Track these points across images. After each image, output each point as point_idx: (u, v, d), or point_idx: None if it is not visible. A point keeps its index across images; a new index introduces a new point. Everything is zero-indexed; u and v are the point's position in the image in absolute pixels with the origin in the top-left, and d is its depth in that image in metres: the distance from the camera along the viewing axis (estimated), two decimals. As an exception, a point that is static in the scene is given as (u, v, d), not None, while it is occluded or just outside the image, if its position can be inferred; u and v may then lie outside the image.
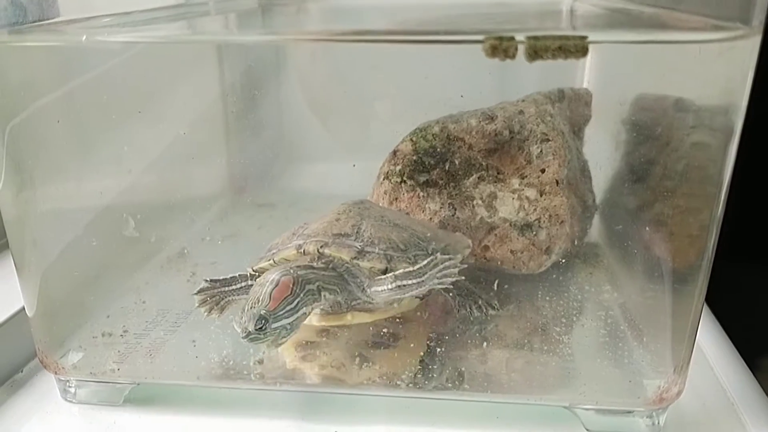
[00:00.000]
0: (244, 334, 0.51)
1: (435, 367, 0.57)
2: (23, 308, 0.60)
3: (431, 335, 0.61)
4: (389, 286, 0.55)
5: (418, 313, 0.64)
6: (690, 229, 0.57)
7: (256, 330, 0.50)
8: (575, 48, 0.45)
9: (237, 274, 0.59)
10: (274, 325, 0.51)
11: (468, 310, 0.63)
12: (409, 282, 0.55)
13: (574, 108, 0.76)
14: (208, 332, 0.61)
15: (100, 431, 0.55)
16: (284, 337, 0.52)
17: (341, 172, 0.89)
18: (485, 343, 0.60)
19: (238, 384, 0.57)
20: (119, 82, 0.68)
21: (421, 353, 0.59)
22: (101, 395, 0.58)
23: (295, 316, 0.52)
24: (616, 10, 0.71)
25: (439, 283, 0.55)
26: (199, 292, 0.59)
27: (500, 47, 0.46)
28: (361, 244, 0.57)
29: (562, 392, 0.55)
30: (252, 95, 0.93)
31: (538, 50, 0.46)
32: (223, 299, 0.59)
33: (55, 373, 0.58)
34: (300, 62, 0.93)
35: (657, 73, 0.66)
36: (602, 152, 0.76)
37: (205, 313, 0.59)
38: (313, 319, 0.57)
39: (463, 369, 0.57)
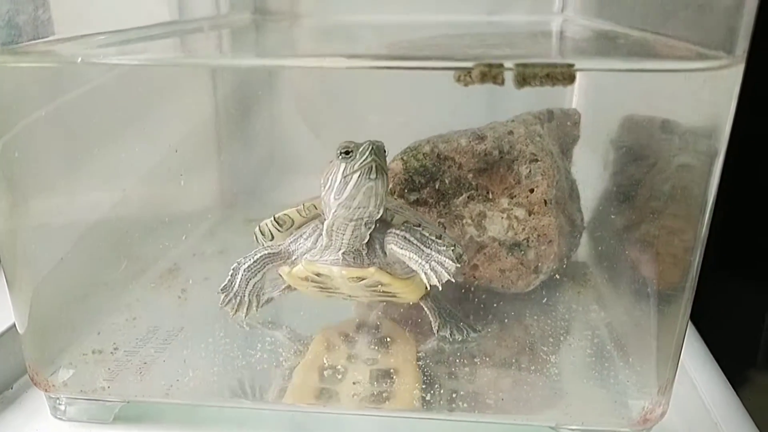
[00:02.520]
0: (368, 147, 0.53)
1: (422, 386, 0.57)
2: (14, 325, 0.60)
3: (418, 354, 0.61)
4: (399, 232, 0.57)
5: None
6: (674, 249, 0.57)
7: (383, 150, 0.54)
8: (562, 76, 0.46)
9: (232, 268, 0.60)
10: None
11: (449, 332, 0.63)
12: (414, 241, 0.57)
13: (563, 128, 0.77)
14: (198, 350, 0.61)
15: (89, 449, 0.56)
16: (378, 182, 0.53)
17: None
18: (472, 363, 0.60)
19: (227, 403, 0.58)
20: (111, 97, 0.68)
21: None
22: (91, 413, 0.59)
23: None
24: (604, 33, 0.72)
25: (430, 269, 0.56)
26: (224, 302, 0.61)
27: (489, 74, 0.46)
28: (392, 206, 0.60)
29: (549, 412, 0.56)
30: (244, 109, 0.94)
31: (526, 77, 0.47)
32: (246, 286, 0.60)
33: (46, 390, 0.58)
34: (293, 76, 0.94)
35: (644, 96, 0.67)
36: (591, 172, 0.77)
37: (245, 312, 0.61)
38: (334, 270, 0.58)
39: (449, 389, 0.57)
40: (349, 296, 0.63)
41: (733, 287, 0.99)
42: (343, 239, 0.57)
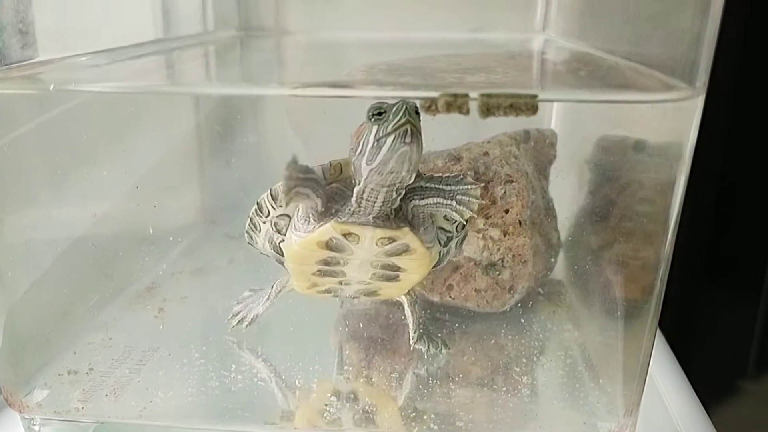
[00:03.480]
0: (402, 107, 0.50)
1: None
2: (-11, 345, 0.61)
3: (392, 375, 0.62)
4: (415, 185, 0.56)
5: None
6: (637, 269, 0.58)
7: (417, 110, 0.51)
8: (526, 106, 0.47)
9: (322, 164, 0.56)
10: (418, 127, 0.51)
11: (426, 345, 0.64)
12: (432, 185, 0.57)
13: (540, 148, 0.78)
14: (173, 371, 0.62)
15: (62, 469, 0.56)
16: (414, 146, 0.51)
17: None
18: (442, 383, 0.61)
19: (201, 425, 0.58)
20: (91, 114, 0.69)
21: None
22: (65, 433, 0.59)
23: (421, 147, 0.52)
24: (581, 55, 0.73)
25: (458, 204, 0.56)
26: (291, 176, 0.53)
27: (455, 104, 0.47)
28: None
29: (519, 434, 0.57)
30: (227, 125, 0.95)
31: (490, 107, 0.48)
32: (317, 185, 0.54)
33: (20, 411, 0.59)
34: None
35: (618, 118, 0.68)
36: (568, 191, 0.78)
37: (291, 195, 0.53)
38: (367, 232, 0.55)
39: (419, 409, 0.58)
40: (341, 283, 0.61)
41: (723, 299, 1.00)
42: (374, 206, 0.55)
